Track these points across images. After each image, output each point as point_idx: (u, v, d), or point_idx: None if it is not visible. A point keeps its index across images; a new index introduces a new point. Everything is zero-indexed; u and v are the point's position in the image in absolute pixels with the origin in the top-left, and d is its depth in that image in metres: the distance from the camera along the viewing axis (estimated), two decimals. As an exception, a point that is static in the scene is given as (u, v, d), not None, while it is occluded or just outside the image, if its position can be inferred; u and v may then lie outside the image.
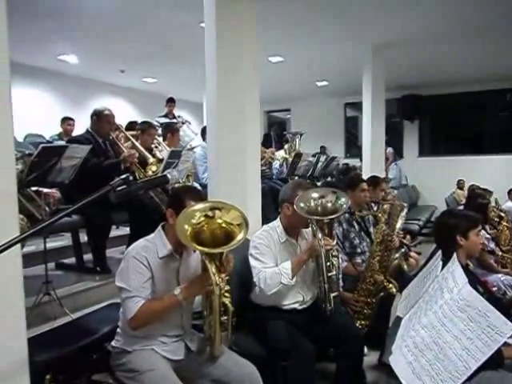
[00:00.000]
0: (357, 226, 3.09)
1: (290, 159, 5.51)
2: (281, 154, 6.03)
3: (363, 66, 6.75)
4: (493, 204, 4.39)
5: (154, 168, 3.61)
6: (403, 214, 3.12)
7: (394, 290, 2.53)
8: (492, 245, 3.44)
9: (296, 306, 2.22)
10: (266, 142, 6.61)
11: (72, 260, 3.74)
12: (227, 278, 1.67)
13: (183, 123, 6.27)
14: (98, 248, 3.45)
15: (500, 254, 2.82)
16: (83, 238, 3.59)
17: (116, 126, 3.79)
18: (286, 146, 6.16)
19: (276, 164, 5.85)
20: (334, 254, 2.14)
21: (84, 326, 2.17)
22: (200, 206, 1.69)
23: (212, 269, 1.58)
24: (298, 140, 6.07)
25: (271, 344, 2.05)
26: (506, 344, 1.70)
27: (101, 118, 3.54)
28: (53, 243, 3.81)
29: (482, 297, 1.26)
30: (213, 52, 3.08)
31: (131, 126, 4.72)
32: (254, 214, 3.16)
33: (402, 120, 10.14)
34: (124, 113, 7.88)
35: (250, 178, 3.18)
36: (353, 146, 10.84)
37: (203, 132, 4.99)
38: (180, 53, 6.70)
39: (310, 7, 4.99)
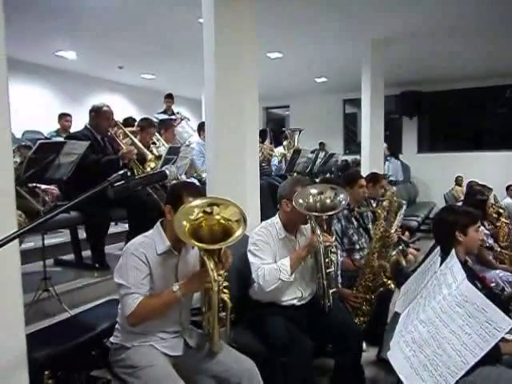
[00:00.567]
0: (355, 223, 3.09)
1: (289, 156, 5.51)
2: (280, 150, 6.03)
3: (362, 62, 6.73)
4: (492, 200, 4.39)
5: (152, 164, 3.61)
6: (402, 211, 3.13)
7: (393, 285, 2.54)
8: (491, 241, 3.45)
9: (295, 302, 2.23)
10: (261, 138, 6.59)
11: (71, 256, 3.74)
12: (225, 274, 1.67)
13: (182, 119, 6.26)
14: (96, 244, 3.45)
15: (498, 250, 2.82)
16: (82, 234, 3.59)
17: (114, 123, 3.78)
18: (284, 143, 6.16)
19: (275, 160, 5.86)
20: (332, 250, 2.14)
21: (83, 323, 2.16)
22: (198, 202, 1.69)
23: (210, 265, 1.58)
24: (296, 136, 6.06)
25: (270, 340, 2.05)
26: (503, 339, 1.71)
27: (99, 115, 3.53)
28: (51, 240, 3.82)
29: (480, 292, 1.26)
30: (211, 49, 3.07)
31: (127, 122, 4.72)
32: (253, 210, 3.16)
33: (401, 116, 10.13)
34: (122, 109, 7.86)
35: (248, 175, 3.17)
36: (352, 142, 10.84)
37: (199, 128, 5.00)
38: (178, 49, 6.68)
39: (309, 3, 4.97)
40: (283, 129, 7.34)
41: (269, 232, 2.22)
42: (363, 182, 3.22)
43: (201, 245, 1.60)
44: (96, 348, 1.94)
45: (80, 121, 4.04)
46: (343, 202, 2.14)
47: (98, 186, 1.24)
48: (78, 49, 6.88)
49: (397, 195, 3.70)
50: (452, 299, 1.21)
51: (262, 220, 2.63)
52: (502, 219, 3.82)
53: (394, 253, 2.64)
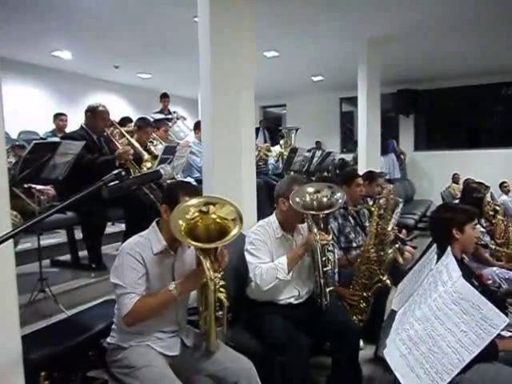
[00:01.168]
0: (352, 221, 3.09)
1: (286, 154, 5.51)
2: (276, 149, 6.03)
3: (358, 60, 6.74)
4: (488, 198, 4.41)
5: (148, 164, 3.60)
6: (398, 209, 3.13)
7: (388, 281, 2.54)
8: (487, 238, 3.46)
9: (292, 300, 2.23)
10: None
11: (67, 257, 3.72)
12: (222, 273, 1.67)
13: (178, 119, 6.25)
14: (93, 245, 3.43)
15: (493, 247, 2.83)
16: (78, 234, 3.57)
17: (111, 123, 3.77)
18: (281, 142, 6.16)
19: (271, 159, 5.85)
20: (329, 248, 2.14)
21: (79, 323, 2.15)
22: (194, 201, 1.68)
23: (206, 264, 1.58)
24: (293, 135, 6.07)
25: (267, 339, 2.05)
26: (500, 336, 1.72)
27: (95, 114, 3.51)
28: (48, 240, 3.81)
29: (476, 290, 1.26)
30: (207, 49, 3.06)
31: (124, 122, 4.70)
32: (250, 209, 3.16)
33: (398, 114, 10.15)
34: (119, 109, 7.84)
35: (245, 174, 3.17)
36: (349, 140, 10.85)
37: (195, 127, 4.99)
38: (174, 48, 6.66)
39: (305, 2, 4.97)
40: (280, 128, 7.34)
41: (266, 231, 2.22)
42: (360, 180, 3.22)
43: (197, 244, 1.59)
44: (93, 348, 1.92)
45: (76, 121, 4.03)
46: (340, 201, 2.14)
47: (92, 185, 1.23)
48: (74, 49, 6.86)
49: (394, 193, 3.70)
50: (447, 297, 1.21)
51: (258, 219, 2.63)
52: (499, 216, 3.84)
53: (390, 251, 2.64)
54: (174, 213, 1.63)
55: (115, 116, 4.11)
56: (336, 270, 2.58)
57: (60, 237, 3.95)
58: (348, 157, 9.14)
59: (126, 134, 3.79)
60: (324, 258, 2.10)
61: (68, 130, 5.81)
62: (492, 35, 6.29)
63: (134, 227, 2.88)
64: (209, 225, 1.67)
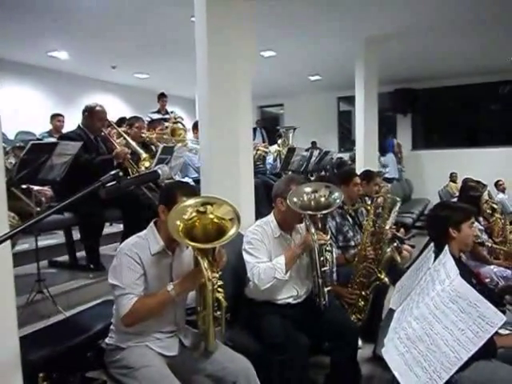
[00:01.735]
0: (350, 220, 3.10)
1: (284, 154, 5.51)
2: (274, 148, 6.03)
3: (356, 59, 6.75)
4: (486, 196, 4.41)
5: (146, 164, 3.60)
6: (396, 208, 3.13)
7: (387, 279, 2.54)
8: (485, 236, 3.46)
9: (290, 300, 2.23)
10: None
11: (65, 258, 3.72)
12: (220, 273, 1.67)
13: (175, 118, 6.23)
14: (91, 245, 3.43)
15: (490, 245, 2.84)
16: (76, 235, 3.57)
17: (108, 123, 3.76)
18: (279, 141, 6.16)
19: (269, 159, 5.85)
20: (327, 248, 2.14)
21: (77, 324, 2.15)
22: (192, 201, 1.68)
23: (204, 264, 1.58)
24: (291, 135, 6.07)
25: (266, 339, 2.05)
26: (498, 334, 1.72)
27: (92, 114, 3.51)
28: (46, 241, 3.80)
29: (474, 288, 1.26)
30: (204, 49, 3.06)
31: (121, 122, 4.70)
32: (247, 208, 3.16)
33: (396, 114, 10.16)
34: (116, 109, 7.83)
35: (242, 173, 3.17)
36: (346, 140, 10.86)
37: (194, 127, 4.99)
38: (172, 48, 6.66)
39: (302, 2, 4.97)
40: (277, 127, 7.35)
41: (264, 231, 2.22)
42: (358, 180, 3.22)
43: (194, 244, 1.59)
44: (91, 349, 1.92)
45: (73, 121, 4.02)
46: (338, 201, 2.14)
47: (89, 186, 1.23)
48: (71, 49, 6.85)
49: (391, 192, 3.71)
50: (445, 295, 1.21)
51: (256, 218, 2.63)
52: (496, 215, 3.84)
53: (388, 249, 2.64)
54: (171, 213, 1.63)
55: (112, 116, 4.11)
56: (334, 270, 2.58)
57: (58, 238, 3.94)
58: (345, 156, 9.15)
59: (123, 134, 3.79)
60: (322, 258, 2.10)
61: (65, 130, 5.79)
62: (489, 34, 6.31)
63: (132, 228, 2.87)
64: (206, 225, 1.67)
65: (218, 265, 1.66)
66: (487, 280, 3.06)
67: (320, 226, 2.11)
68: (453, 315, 1.17)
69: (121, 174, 1.30)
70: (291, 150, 5.38)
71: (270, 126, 10.54)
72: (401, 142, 10.02)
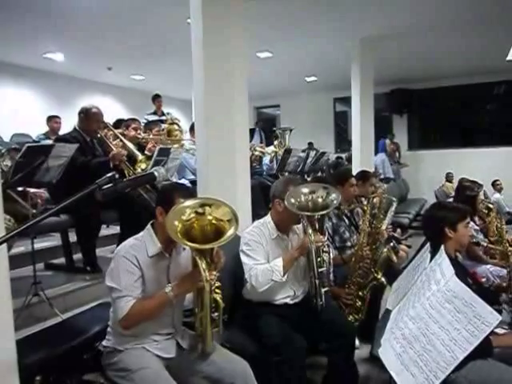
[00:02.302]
0: (346, 220, 3.10)
1: (280, 155, 5.51)
2: (271, 149, 6.03)
3: (352, 60, 6.76)
4: (482, 196, 4.42)
5: (143, 166, 3.59)
6: (392, 208, 3.14)
7: (383, 279, 2.55)
8: (481, 236, 3.48)
9: (287, 300, 2.23)
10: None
11: (62, 260, 3.70)
12: (218, 274, 1.67)
13: (172, 119, 6.22)
14: (87, 247, 3.42)
15: (485, 245, 2.85)
16: (73, 237, 3.56)
17: (104, 124, 3.75)
18: (275, 142, 6.16)
19: (266, 160, 5.85)
20: (324, 249, 2.14)
21: (74, 326, 2.15)
22: (190, 202, 1.69)
23: (202, 265, 1.58)
24: (287, 136, 6.07)
25: (263, 340, 2.05)
26: (494, 333, 1.73)
27: (88, 116, 3.50)
28: (42, 244, 3.78)
29: (470, 288, 1.27)
30: (200, 50, 3.06)
31: (119, 124, 4.69)
32: (244, 210, 3.16)
33: (392, 114, 10.19)
34: (112, 111, 7.81)
35: (239, 175, 3.17)
36: (343, 140, 10.88)
37: (191, 129, 4.99)
38: (168, 49, 6.65)
39: (298, 2, 4.98)
40: (274, 128, 7.35)
41: (261, 232, 2.22)
42: (353, 180, 3.23)
43: (193, 245, 1.59)
44: (88, 352, 1.92)
45: (69, 123, 4.02)
46: (335, 202, 2.14)
47: (85, 188, 1.23)
48: (66, 51, 6.83)
49: (388, 192, 3.72)
50: (441, 295, 1.22)
51: (253, 220, 2.63)
52: (492, 214, 3.85)
53: (385, 250, 2.65)
54: (169, 214, 1.63)
55: (108, 118, 4.11)
56: (331, 270, 2.59)
57: (54, 240, 3.93)
58: (342, 156, 9.17)
59: (119, 136, 3.78)
60: (319, 259, 2.10)
61: (62, 132, 5.78)
62: (485, 34, 6.34)
63: (129, 229, 2.86)
64: (204, 226, 1.67)
65: (217, 266, 1.66)
66: (483, 279, 3.07)
67: (317, 226, 2.11)
68: (449, 315, 1.17)
69: (117, 176, 1.30)
70: (288, 151, 5.38)
71: (266, 127, 10.55)
72: (397, 142, 10.05)
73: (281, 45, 6.72)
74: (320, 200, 2.15)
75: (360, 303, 2.64)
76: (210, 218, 1.68)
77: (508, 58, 7.52)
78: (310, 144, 9.90)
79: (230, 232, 1.62)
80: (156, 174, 1.51)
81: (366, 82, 6.75)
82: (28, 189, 2.97)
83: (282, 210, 2.18)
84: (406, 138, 10.27)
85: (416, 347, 1.17)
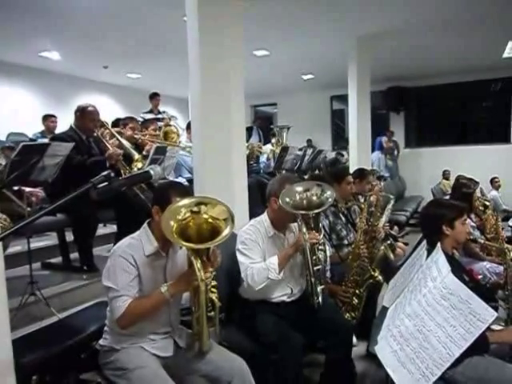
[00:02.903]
0: (343, 218, 3.10)
1: (277, 153, 5.51)
2: (268, 147, 6.03)
3: (348, 58, 6.76)
4: (478, 193, 4.44)
5: (139, 165, 3.58)
6: (389, 206, 3.15)
7: (380, 277, 2.55)
8: (477, 233, 3.49)
9: (284, 298, 2.23)
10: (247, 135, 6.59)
11: (59, 259, 3.70)
12: (214, 273, 1.66)
13: (169, 119, 6.21)
14: (84, 247, 3.41)
15: (482, 242, 2.87)
16: (70, 237, 3.55)
17: (101, 123, 3.74)
18: (273, 140, 6.16)
19: (263, 158, 5.85)
20: (320, 247, 2.14)
21: (71, 326, 2.15)
22: (185, 201, 1.68)
23: (197, 265, 1.57)
24: (284, 134, 6.07)
25: (260, 338, 2.05)
26: (490, 329, 1.74)
27: (84, 115, 3.48)
28: (39, 243, 3.78)
29: (467, 285, 1.27)
30: (196, 49, 3.04)
31: (117, 123, 4.68)
32: (241, 208, 3.16)
33: (388, 112, 10.20)
34: (109, 109, 7.79)
35: (236, 173, 3.17)
36: (340, 138, 10.88)
37: (188, 127, 4.98)
38: (164, 47, 6.63)
39: (295, 1, 4.97)
40: (271, 126, 7.35)
41: (257, 230, 2.22)
42: (350, 178, 3.23)
43: (188, 244, 1.59)
44: (85, 351, 1.92)
45: (66, 122, 4.00)
46: (330, 199, 2.13)
47: (80, 187, 1.22)
48: (62, 49, 6.79)
49: (385, 190, 3.73)
50: (437, 292, 1.22)
51: (251, 218, 2.62)
52: (488, 211, 3.87)
53: (381, 247, 2.65)
54: (165, 213, 1.62)
55: (104, 116, 4.09)
56: (328, 268, 2.59)
57: (51, 239, 3.92)
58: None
59: (116, 135, 3.77)
60: (314, 257, 2.10)
61: (58, 131, 5.76)
62: (480, 32, 6.34)
63: (125, 228, 2.86)
64: (200, 225, 1.67)
65: (213, 265, 1.66)
66: (480, 276, 3.08)
67: (313, 224, 2.11)
68: (445, 312, 1.18)
69: (112, 174, 1.29)
70: (284, 149, 5.38)
71: (263, 125, 10.54)
72: (396, 140, 10.06)
73: (278, 43, 6.70)
74: (314, 198, 2.15)
75: (357, 301, 2.64)
76: (205, 216, 1.67)
77: (504, 55, 7.55)
78: (309, 141, 9.91)
79: (226, 231, 1.62)
80: (152, 172, 1.50)
81: (363, 79, 6.75)
82: (23, 188, 2.96)
83: (277, 208, 2.18)
84: (403, 135, 10.28)
85: (412, 344, 1.17)
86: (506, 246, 2.33)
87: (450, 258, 1.86)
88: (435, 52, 7.38)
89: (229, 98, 3.11)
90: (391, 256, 2.62)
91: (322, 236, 2.13)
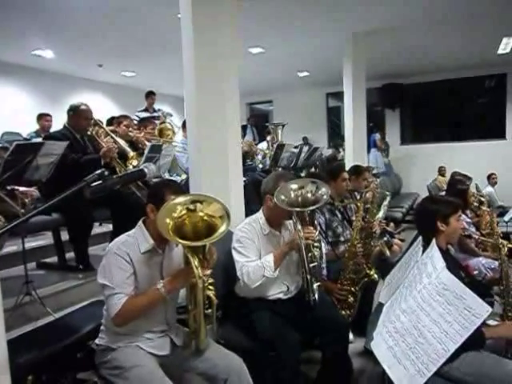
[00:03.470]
0: (339, 215, 3.11)
1: (273, 150, 5.51)
2: (263, 145, 6.03)
3: (344, 55, 6.76)
4: (473, 190, 4.46)
5: (134, 162, 3.57)
6: (386, 202, 3.15)
7: (376, 276, 2.56)
8: (472, 229, 3.50)
9: (281, 295, 2.23)
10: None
11: (54, 259, 3.68)
12: (210, 270, 1.66)
13: (165, 117, 6.19)
14: (80, 246, 3.39)
15: (477, 237, 2.88)
16: (65, 236, 3.53)
17: (95, 122, 3.72)
18: (268, 138, 6.15)
19: (259, 155, 5.85)
20: (315, 244, 2.14)
21: (67, 325, 2.14)
22: (181, 199, 1.67)
23: (195, 262, 1.57)
24: (280, 131, 6.07)
25: (257, 335, 2.05)
26: (486, 325, 1.74)
27: (77, 114, 3.46)
28: (34, 243, 3.76)
29: (462, 281, 1.28)
30: (190, 46, 3.02)
31: (112, 121, 4.67)
32: (237, 206, 3.15)
33: (384, 108, 10.22)
34: (103, 108, 7.75)
35: (231, 171, 3.16)
36: (336, 135, 10.89)
37: (183, 126, 4.97)
38: (158, 45, 6.60)
39: (289, -2, 4.96)
40: (266, 124, 7.35)
41: (253, 228, 2.21)
42: (346, 175, 3.23)
43: (184, 242, 1.58)
44: (81, 350, 1.91)
45: (60, 121, 3.98)
46: (325, 196, 2.13)
47: (74, 186, 1.21)
48: (56, 47, 6.74)
49: (381, 187, 3.73)
50: (432, 288, 1.22)
51: (247, 216, 2.62)
52: (483, 208, 3.88)
53: (378, 243, 2.66)
54: (160, 211, 1.62)
55: (99, 115, 4.07)
56: (323, 265, 2.59)
57: (46, 239, 3.90)
58: (335, 151, 9.19)
59: (109, 133, 3.75)
60: (310, 254, 2.09)
61: (52, 129, 5.73)
62: (475, 28, 6.35)
63: (121, 227, 2.84)
64: (196, 223, 1.66)
65: (209, 262, 1.65)
66: (475, 272, 3.10)
67: (308, 222, 2.10)
68: (440, 308, 1.18)
69: (107, 173, 1.29)
70: (280, 147, 5.37)
71: (259, 123, 10.54)
72: (390, 136, 10.08)
73: (273, 40, 6.69)
74: (309, 195, 2.14)
75: (352, 299, 2.64)
76: (201, 214, 1.67)
77: (499, 51, 7.57)
78: (305, 139, 9.92)
79: (222, 228, 1.61)
80: (146, 170, 1.49)
81: (358, 76, 6.75)
82: (17, 188, 2.94)
83: (272, 205, 2.17)
84: (399, 132, 10.31)
85: (408, 340, 1.17)
86: (501, 241, 2.33)
87: (445, 254, 1.87)
88: (430, 48, 7.39)
89: (224, 95, 3.10)
90: (387, 253, 2.62)
91: (317, 233, 2.13)
